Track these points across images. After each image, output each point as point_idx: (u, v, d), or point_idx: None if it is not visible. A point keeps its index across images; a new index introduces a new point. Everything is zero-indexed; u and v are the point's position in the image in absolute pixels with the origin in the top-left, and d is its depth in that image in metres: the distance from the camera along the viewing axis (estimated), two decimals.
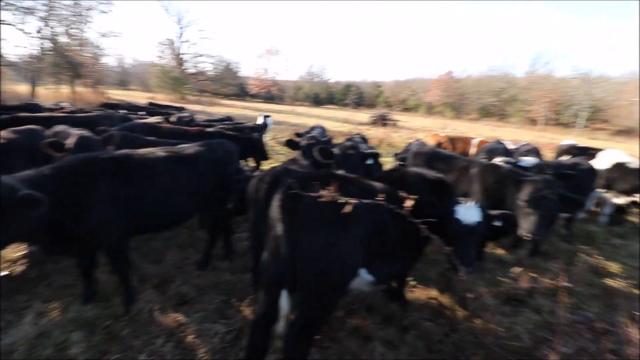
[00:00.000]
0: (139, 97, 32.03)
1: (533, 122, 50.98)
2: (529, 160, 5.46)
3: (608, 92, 50.11)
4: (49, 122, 5.22)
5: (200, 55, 53.51)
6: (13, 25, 22.78)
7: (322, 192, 1.36)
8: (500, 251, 5.19)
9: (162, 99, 36.06)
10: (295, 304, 2.29)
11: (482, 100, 60.24)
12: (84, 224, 2.72)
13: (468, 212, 2.69)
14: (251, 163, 7.63)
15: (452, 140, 10.13)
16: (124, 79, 64.59)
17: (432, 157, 5.13)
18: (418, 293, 3.81)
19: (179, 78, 45.58)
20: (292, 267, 2.14)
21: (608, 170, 6.35)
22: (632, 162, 6.29)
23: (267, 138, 13.49)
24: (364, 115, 33.77)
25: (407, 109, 65.27)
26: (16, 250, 4.04)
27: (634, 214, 7.33)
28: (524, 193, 3.65)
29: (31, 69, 24.17)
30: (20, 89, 24.43)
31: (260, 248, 2.85)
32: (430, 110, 62.74)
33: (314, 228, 2.10)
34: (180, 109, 14.09)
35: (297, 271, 2.16)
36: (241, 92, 61.88)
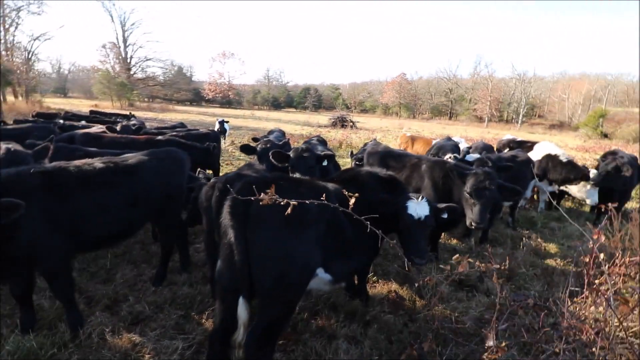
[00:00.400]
0: (81, 106, 29.67)
1: (480, 119, 55.02)
2: (472, 155, 5.90)
3: (541, 90, 55.65)
4: None
5: (149, 59, 50.98)
6: None
7: (262, 196, 1.37)
8: (453, 241, 5.54)
9: (107, 106, 33.81)
10: (254, 310, 2.27)
11: (433, 100, 63.85)
12: (15, 246, 2.48)
13: (417, 206, 2.86)
14: (209, 171, 7.40)
15: (413, 139, 10.83)
16: (62, 86, 59.31)
17: (385, 155, 5.35)
18: (379, 287, 3.95)
19: (125, 84, 42.85)
20: (248, 273, 2.13)
21: (540, 161, 7.04)
22: (562, 154, 7.02)
23: (225, 143, 13.19)
24: (324, 118, 34.22)
25: (364, 111, 67.24)
26: None
27: (567, 199, 8.21)
28: (467, 185, 3.94)
29: None
30: None
31: (216, 257, 2.79)
32: (387, 111, 65.17)
33: (267, 231, 2.10)
34: (129, 117, 13.25)
35: (253, 276, 2.15)
36: (196, 97, 59.71)
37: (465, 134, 24.82)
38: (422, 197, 2.93)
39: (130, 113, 15.35)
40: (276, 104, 67.11)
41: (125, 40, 48.61)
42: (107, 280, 3.78)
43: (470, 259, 2.23)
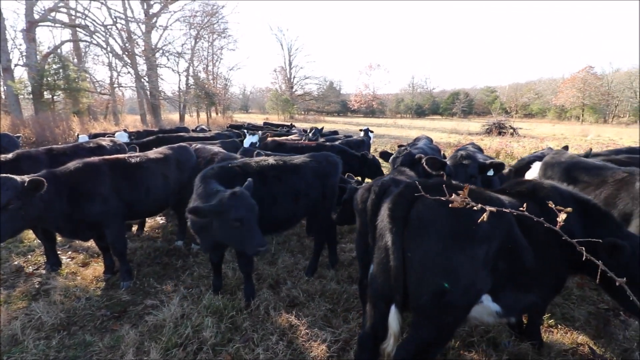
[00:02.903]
0: (257, 119, 36.68)
1: None
2: None
3: None
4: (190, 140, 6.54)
5: (307, 78, 58.72)
6: (169, 67, 30.58)
7: (454, 197, 1.18)
8: None
9: (275, 119, 40.66)
10: (406, 322, 2.13)
11: (637, 99, 47.46)
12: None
13: None
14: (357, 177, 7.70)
15: None
16: (245, 104, 75.27)
17: (573, 167, 4.19)
18: (559, 335, 3.10)
19: (288, 100, 50.68)
20: (403, 282, 2.00)
21: None
22: None
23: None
24: (475, 124, 30.70)
25: (529, 115, 56.66)
26: (166, 245, 5.01)
27: None
28: None
29: (180, 101, 30.52)
30: (173, 116, 31.16)
31: (367, 259, 2.79)
32: (563, 114, 52.76)
33: (429, 240, 1.91)
34: (290, 127, 15.44)
35: (408, 287, 2.00)
36: (343, 108, 64.52)
37: None
38: None
39: (291, 124, 17.90)
40: (419, 112, 65.00)
41: (290, 64, 57.65)
42: (271, 262, 4.41)
43: None
